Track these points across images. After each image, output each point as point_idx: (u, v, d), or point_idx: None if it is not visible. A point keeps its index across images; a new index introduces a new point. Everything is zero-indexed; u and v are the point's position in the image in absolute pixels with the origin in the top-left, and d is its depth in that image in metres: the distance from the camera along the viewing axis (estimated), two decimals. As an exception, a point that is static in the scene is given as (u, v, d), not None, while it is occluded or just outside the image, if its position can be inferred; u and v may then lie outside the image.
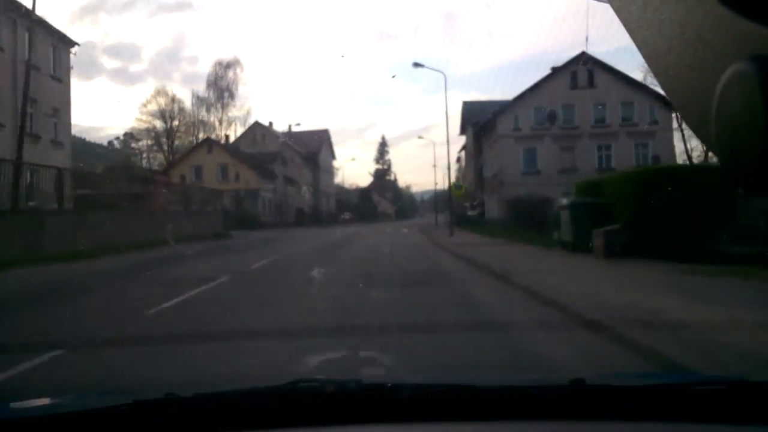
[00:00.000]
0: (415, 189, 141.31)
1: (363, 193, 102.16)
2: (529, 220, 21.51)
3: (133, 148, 63.15)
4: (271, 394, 1.45)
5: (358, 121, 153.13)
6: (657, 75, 0.61)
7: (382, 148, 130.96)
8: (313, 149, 70.62)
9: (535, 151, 36.89)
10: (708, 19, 0.51)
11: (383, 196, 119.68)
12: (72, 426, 1.33)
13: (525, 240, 19.37)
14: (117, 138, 66.99)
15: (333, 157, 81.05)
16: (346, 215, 77.67)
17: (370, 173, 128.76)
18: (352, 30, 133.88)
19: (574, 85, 36.37)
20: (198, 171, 46.44)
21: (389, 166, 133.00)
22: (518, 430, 1.38)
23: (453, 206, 33.03)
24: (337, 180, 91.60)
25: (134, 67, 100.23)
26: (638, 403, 1.38)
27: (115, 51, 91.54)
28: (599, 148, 36.57)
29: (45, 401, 1.67)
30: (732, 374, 3.52)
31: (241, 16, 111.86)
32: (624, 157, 35.45)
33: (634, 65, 47.66)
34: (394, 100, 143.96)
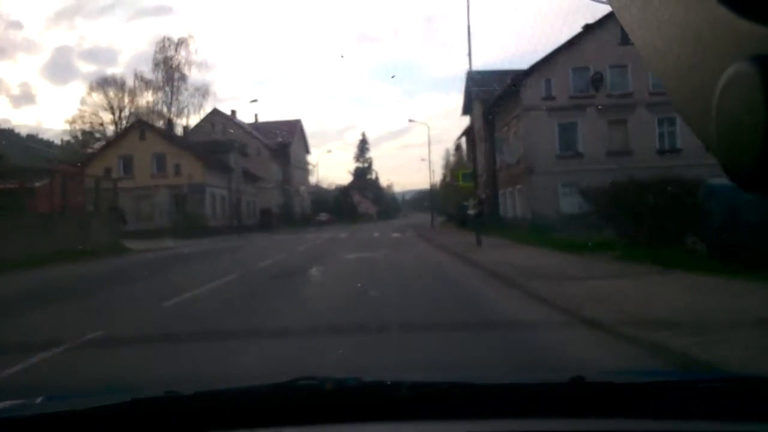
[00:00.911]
0: (395, 189, 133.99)
1: (342, 191, 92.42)
2: (643, 219, 11.70)
3: (91, 147, 53.19)
4: (270, 392, 1.42)
5: (337, 122, 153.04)
6: (657, 75, 0.60)
7: (363, 145, 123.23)
8: (283, 141, 60.38)
9: (575, 127, 27.39)
10: (708, 19, 0.51)
11: (364, 195, 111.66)
12: (72, 425, 1.32)
13: (662, 259, 9.64)
14: (74, 136, 57.09)
15: (307, 150, 70.85)
16: (323, 216, 68.32)
17: (350, 172, 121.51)
18: (332, 32, 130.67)
19: (624, 40, 26.81)
20: (127, 162, 35.92)
21: (370, 164, 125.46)
22: (518, 428, 1.35)
23: (482, 200, 23.34)
24: (315, 179, 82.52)
25: (111, 71, 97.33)
26: (639, 401, 1.35)
27: (91, 55, 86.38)
28: (660, 123, 27.20)
29: (44, 400, 1.57)
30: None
31: (221, 20, 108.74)
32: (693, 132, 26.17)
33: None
34: (373, 102, 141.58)
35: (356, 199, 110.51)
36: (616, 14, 0.64)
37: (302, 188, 66.40)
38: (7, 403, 1.44)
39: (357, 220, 78.88)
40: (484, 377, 1.68)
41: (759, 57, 0.46)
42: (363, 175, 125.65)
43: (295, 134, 63.30)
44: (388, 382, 1.45)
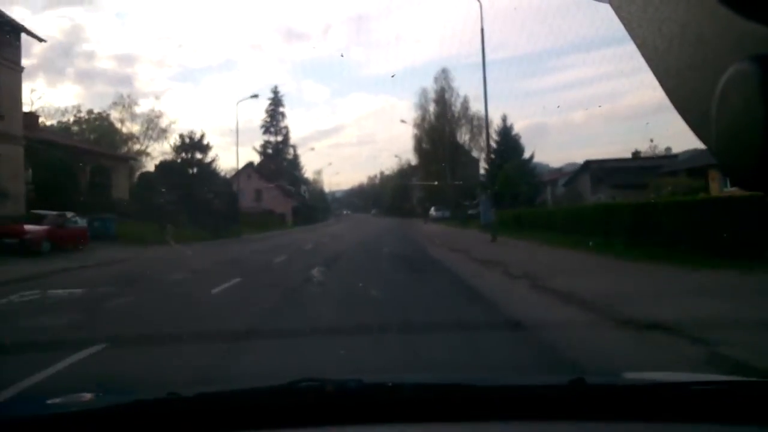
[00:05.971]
0: (324, 189, 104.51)
1: (176, 166, 41.92)
2: None
3: None
4: (272, 394, 1.43)
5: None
6: (657, 75, 0.60)
7: (274, 109, 75.32)
8: None
9: None
10: (708, 18, 0.51)
11: (275, 182, 62.41)
12: (74, 425, 1.31)
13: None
14: None
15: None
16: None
17: (255, 149, 73.25)
18: (260, 28, 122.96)
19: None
20: None
21: (286, 137, 77.01)
22: (518, 430, 1.36)
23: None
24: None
25: (23, 63, 58.32)
26: (638, 403, 1.36)
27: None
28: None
29: (46, 400, 1.58)
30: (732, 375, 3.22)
31: (144, 12, 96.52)
32: None
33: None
34: (301, 100, 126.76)
35: (252, 186, 61.99)
36: (616, 13, 0.63)
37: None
38: (8, 404, 1.39)
39: (236, 230, 32.23)
40: (485, 379, 1.69)
41: (759, 57, 0.46)
42: (276, 153, 76.74)
43: None
44: (389, 384, 1.45)
